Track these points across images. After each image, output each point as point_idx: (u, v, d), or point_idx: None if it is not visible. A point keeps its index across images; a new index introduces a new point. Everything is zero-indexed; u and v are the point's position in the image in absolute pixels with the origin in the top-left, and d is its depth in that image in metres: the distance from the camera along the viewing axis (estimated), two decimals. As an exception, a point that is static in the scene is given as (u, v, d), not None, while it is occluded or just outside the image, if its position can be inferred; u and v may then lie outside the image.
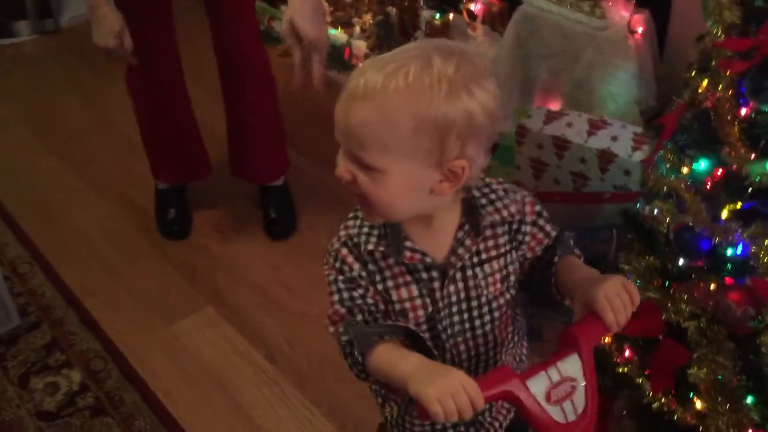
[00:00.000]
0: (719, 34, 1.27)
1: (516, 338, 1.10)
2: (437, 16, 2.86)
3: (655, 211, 1.42)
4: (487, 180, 1.03)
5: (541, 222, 1.06)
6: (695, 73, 1.42)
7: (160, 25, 2.00)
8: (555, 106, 2.47)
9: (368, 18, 3.07)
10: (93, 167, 2.60)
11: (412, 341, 0.98)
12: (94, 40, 1.77)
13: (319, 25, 1.53)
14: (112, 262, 2.22)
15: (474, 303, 1.02)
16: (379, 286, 0.99)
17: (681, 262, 1.38)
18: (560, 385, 0.89)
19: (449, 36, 2.89)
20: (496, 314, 1.03)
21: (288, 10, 1.52)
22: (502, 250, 1.02)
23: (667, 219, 1.40)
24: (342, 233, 1.01)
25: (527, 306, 1.14)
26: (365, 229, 0.99)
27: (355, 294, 0.99)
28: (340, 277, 0.99)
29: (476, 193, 1.00)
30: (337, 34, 3.12)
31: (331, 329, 1.00)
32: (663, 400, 1.34)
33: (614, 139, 1.85)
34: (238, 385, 1.84)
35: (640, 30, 2.29)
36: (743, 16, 1.25)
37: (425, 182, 0.91)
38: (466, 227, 0.99)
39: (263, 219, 2.27)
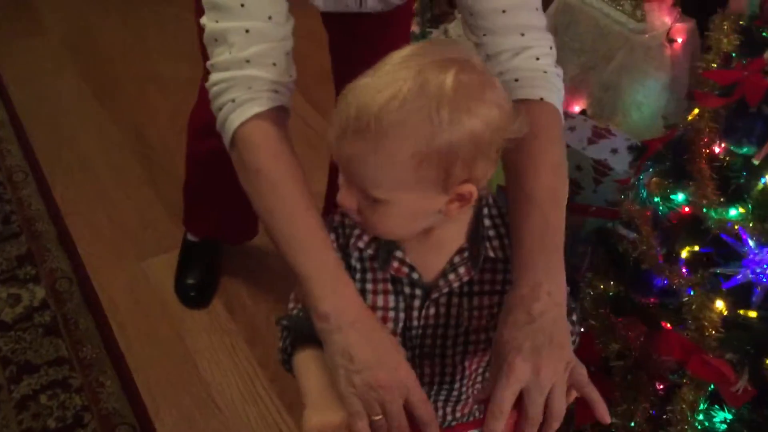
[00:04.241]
0: (713, 62, 1.17)
1: (486, 374, 0.99)
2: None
3: (627, 234, 1.35)
4: (504, 209, 0.93)
5: None
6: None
7: None
8: (581, 104, 2.36)
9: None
10: (113, 93, 2.61)
11: None
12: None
13: None
14: (104, 186, 2.24)
15: (451, 331, 0.94)
16: (357, 285, 0.92)
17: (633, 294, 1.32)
18: None
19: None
20: (471, 347, 0.95)
21: None
22: (498, 287, 0.92)
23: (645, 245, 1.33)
24: (337, 217, 0.94)
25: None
26: None
27: None
28: None
29: (486, 222, 0.91)
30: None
31: (291, 305, 0.96)
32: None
33: (614, 151, 1.75)
34: (191, 329, 1.84)
35: (679, 40, 2.16)
36: (741, 46, 1.15)
37: (432, 207, 0.83)
38: (466, 254, 0.90)
39: None
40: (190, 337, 1.82)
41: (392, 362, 0.84)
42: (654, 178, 1.26)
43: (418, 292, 0.91)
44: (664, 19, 2.16)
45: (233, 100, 0.93)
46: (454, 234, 0.90)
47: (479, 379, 1.00)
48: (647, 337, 1.08)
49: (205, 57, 1.53)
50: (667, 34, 2.14)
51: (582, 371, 0.87)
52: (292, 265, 0.88)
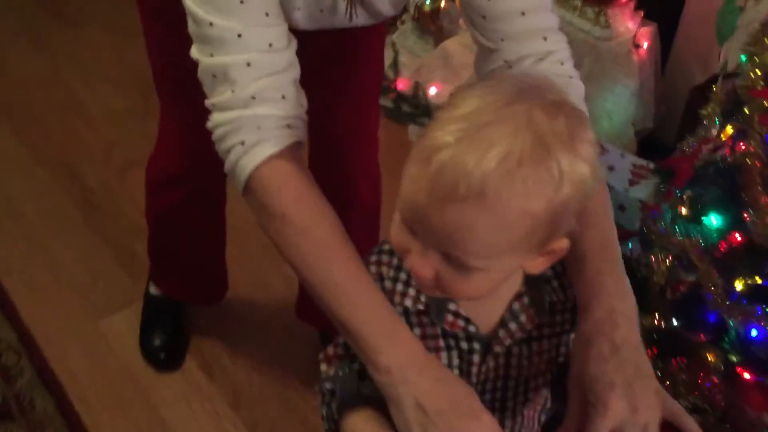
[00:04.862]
0: (756, 78, 1.10)
1: (541, 418, 0.94)
2: (428, 0, 2.65)
3: (652, 259, 1.27)
4: None
5: None
6: (717, 116, 1.26)
7: None
8: (544, 114, 2.29)
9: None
10: (34, 128, 2.35)
11: None
12: None
13: None
14: (42, 240, 1.99)
15: (511, 382, 0.87)
16: None
17: (674, 323, 1.24)
18: None
19: (438, 24, 2.69)
20: (531, 395, 0.89)
21: None
22: (558, 329, 0.86)
23: (663, 270, 1.25)
24: (372, 269, 0.84)
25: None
26: (403, 275, 0.83)
27: None
28: None
29: None
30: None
31: (323, 367, 0.86)
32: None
33: (610, 168, 1.67)
34: (166, 398, 1.65)
35: (645, 45, 2.11)
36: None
37: (520, 265, 0.75)
38: (525, 300, 0.83)
39: None
40: (166, 406, 1.63)
41: (472, 410, 0.77)
42: (696, 205, 1.17)
43: (476, 346, 0.84)
44: (628, 24, 2.11)
45: (242, 143, 0.84)
46: (510, 282, 0.81)
47: (535, 426, 0.94)
48: (729, 388, 0.99)
49: (163, 93, 1.37)
50: (633, 39, 2.09)
51: (671, 399, 0.81)
52: (336, 318, 0.80)
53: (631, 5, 2.11)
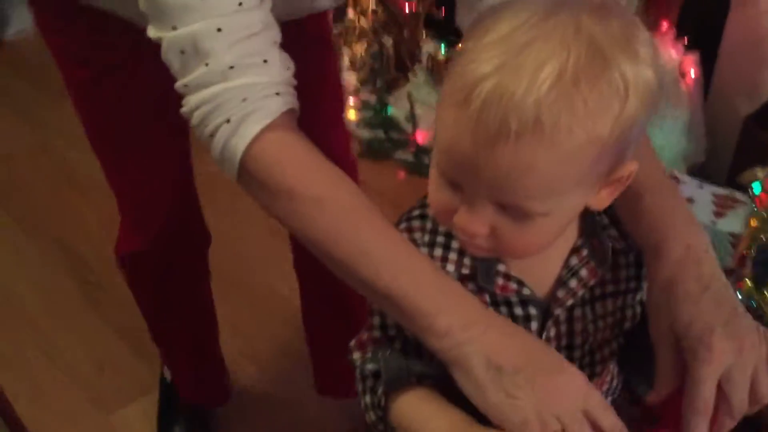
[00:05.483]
0: None
1: (609, 399, 0.82)
2: (442, 49, 2.53)
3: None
4: None
5: None
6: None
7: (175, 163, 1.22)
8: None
9: (359, 48, 2.73)
10: (26, 203, 2.17)
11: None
12: None
13: None
14: (38, 324, 1.78)
15: (577, 353, 0.78)
16: None
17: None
18: None
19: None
20: (598, 368, 0.79)
21: None
22: (623, 286, 0.78)
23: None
24: (404, 236, 0.76)
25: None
26: (440, 239, 0.74)
27: None
28: None
29: None
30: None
31: (356, 355, 0.78)
32: None
33: (690, 201, 1.50)
34: (195, 502, 1.40)
35: (692, 73, 1.97)
36: None
37: (584, 203, 0.68)
38: (585, 252, 0.75)
39: None
40: None
41: (554, 363, 0.69)
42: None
43: (533, 311, 0.75)
44: (671, 52, 1.97)
45: (228, 121, 0.74)
46: (565, 234, 0.73)
47: None
48: None
49: (104, 156, 1.24)
50: (679, 68, 1.95)
51: None
52: (375, 290, 0.71)
53: (672, 33, 1.97)
